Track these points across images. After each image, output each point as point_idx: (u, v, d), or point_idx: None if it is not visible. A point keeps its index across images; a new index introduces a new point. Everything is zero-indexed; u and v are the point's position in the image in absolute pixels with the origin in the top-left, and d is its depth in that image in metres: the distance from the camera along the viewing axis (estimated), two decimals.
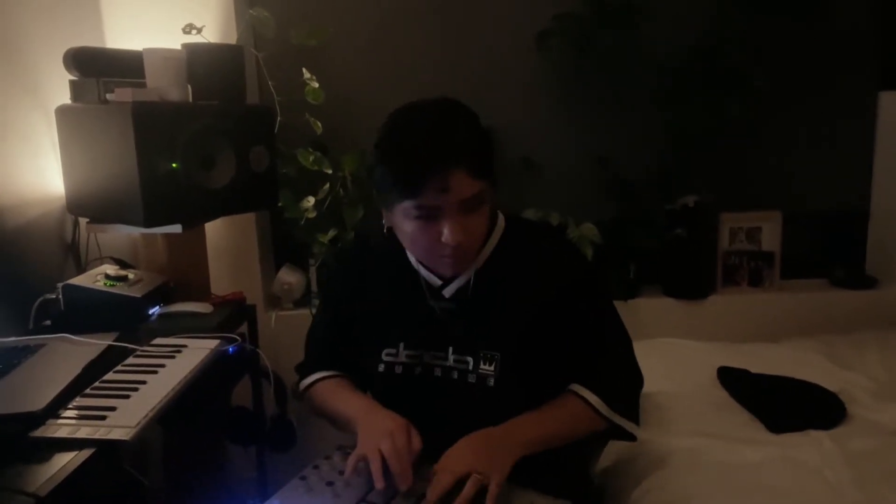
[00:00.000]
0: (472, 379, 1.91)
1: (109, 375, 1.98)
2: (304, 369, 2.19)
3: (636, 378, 2.07)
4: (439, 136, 1.73)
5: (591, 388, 1.94)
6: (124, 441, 1.63)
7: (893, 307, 3.65)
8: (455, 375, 1.93)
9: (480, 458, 1.73)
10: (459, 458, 1.74)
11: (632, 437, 2.05)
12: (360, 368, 2.07)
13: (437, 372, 1.96)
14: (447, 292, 1.97)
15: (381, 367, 1.99)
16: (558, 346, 1.93)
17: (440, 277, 1.98)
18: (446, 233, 1.76)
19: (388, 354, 1.99)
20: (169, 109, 2.53)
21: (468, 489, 1.66)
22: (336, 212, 3.40)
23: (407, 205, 1.76)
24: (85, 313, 2.41)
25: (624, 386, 2.03)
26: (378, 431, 1.77)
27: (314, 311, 2.20)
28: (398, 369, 1.98)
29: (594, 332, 1.98)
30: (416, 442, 1.78)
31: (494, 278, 1.95)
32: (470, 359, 1.92)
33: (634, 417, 2.02)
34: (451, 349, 1.95)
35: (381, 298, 2.05)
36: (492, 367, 1.89)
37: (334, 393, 2.07)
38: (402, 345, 1.99)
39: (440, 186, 1.71)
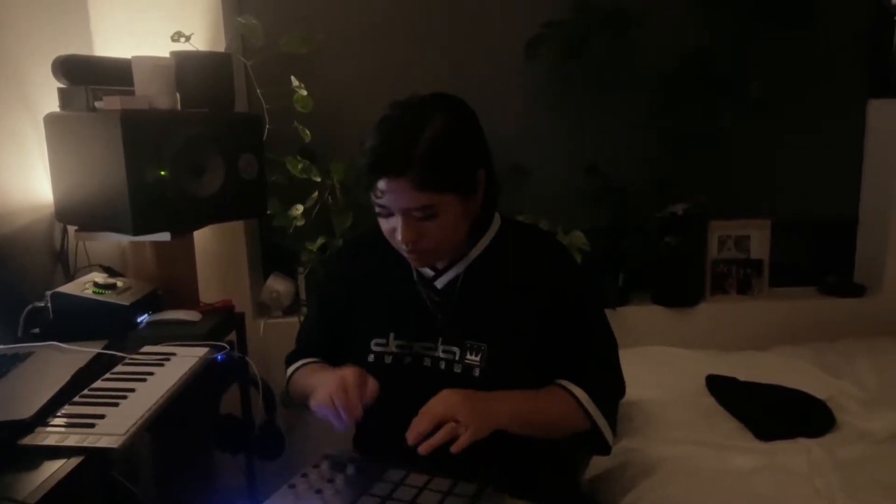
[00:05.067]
0: (457, 369, 1.92)
1: (98, 383, 1.98)
2: (290, 360, 2.21)
3: (619, 385, 2.07)
4: (393, 142, 1.76)
5: (578, 384, 1.95)
6: (113, 449, 1.63)
7: (882, 315, 3.67)
8: (443, 366, 1.94)
9: (463, 407, 1.73)
10: (442, 402, 1.75)
11: (606, 450, 2.03)
12: (349, 358, 2.06)
13: (427, 362, 1.96)
14: (439, 283, 1.98)
15: (371, 357, 1.99)
16: (545, 343, 1.94)
17: (432, 268, 1.99)
18: (397, 231, 1.81)
19: (377, 344, 2.00)
20: (157, 117, 2.53)
21: (440, 434, 1.67)
22: (325, 220, 3.40)
23: (370, 193, 1.81)
24: (74, 321, 2.40)
25: (608, 389, 2.03)
26: (330, 379, 1.79)
27: (303, 318, 2.20)
28: (388, 359, 1.98)
29: (582, 332, 1.99)
30: (372, 385, 1.79)
31: (486, 273, 1.97)
32: (457, 349, 1.93)
33: (613, 424, 2.01)
34: (440, 339, 1.96)
35: (372, 289, 2.06)
36: (478, 358, 1.91)
37: (307, 374, 2.09)
38: (392, 335, 1.99)
39: (379, 191, 1.76)
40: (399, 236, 1.80)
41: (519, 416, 1.85)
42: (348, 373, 1.79)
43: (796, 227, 3.81)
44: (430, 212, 1.77)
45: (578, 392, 1.93)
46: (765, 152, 3.76)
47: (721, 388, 2.96)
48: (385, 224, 1.84)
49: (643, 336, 3.48)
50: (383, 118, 1.81)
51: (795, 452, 2.49)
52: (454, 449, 1.66)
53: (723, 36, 3.40)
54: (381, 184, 1.75)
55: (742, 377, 3.01)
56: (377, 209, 1.82)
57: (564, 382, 1.95)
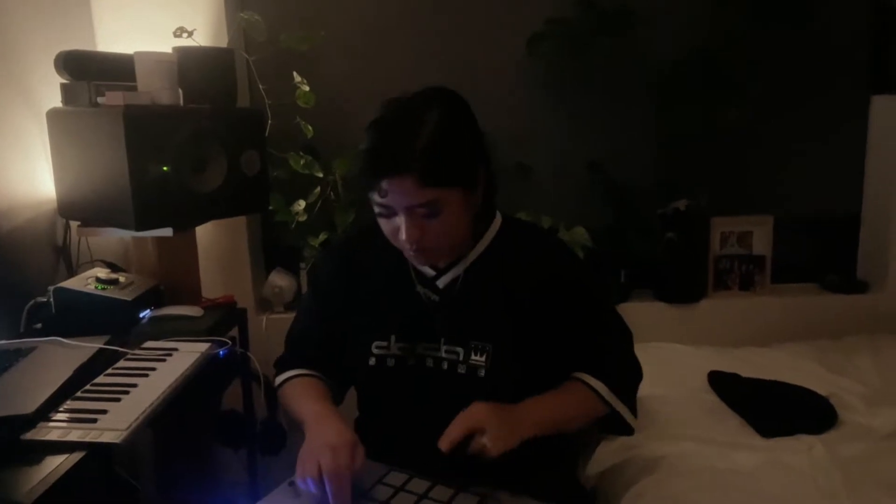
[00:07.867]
0: (462, 370, 1.91)
1: (100, 378, 1.99)
2: (281, 365, 2.17)
3: (636, 370, 2.10)
4: (393, 140, 1.73)
5: (595, 376, 1.97)
6: (115, 444, 1.63)
7: (884, 312, 3.66)
8: (445, 366, 1.93)
9: (493, 420, 1.75)
10: (475, 413, 1.76)
11: (629, 430, 2.06)
12: (346, 361, 2.06)
13: (429, 363, 1.95)
14: (441, 283, 1.97)
15: (372, 361, 1.97)
16: (550, 339, 1.94)
17: (434, 268, 1.98)
18: (401, 231, 1.78)
19: (378, 347, 1.98)
20: (160, 113, 2.53)
21: (472, 446, 1.71)
22: (327, 215, 3.40)
23: (370, 195, 1.79)
24: (76, 316, 2.41)
25: (625, 375, 2.06)
26: (320, 444, 1.74)
27: (294, 320, 2.18)
28: (390, 362, 1.97)
29: (593, 323, 2.01)
30: (359, 459, 1.74)
31: (487, 272, 1.96)
32: (460, 349, 1.92)
33: (633, 408, 2.04)
34: (442, 340, 1.94)
35: (371, 289, 2.04)
36: (482, 358, 1.90)
37: (297, 395, 2.04)
38: (393, 337, 1.97)
39: (382, 189, 1.74)
40: (403, 236, 1.78)
41: (545, 423, 1.87)
42: (340, 444, 1.73)
43: (799, 224, 3.80)
44: (435, 208, 1.75)
45: (598, 385, 1.96)
46: (767, 149, 3.75)
47: (723, 384, 2.96)
48: (387, 225, 1.82)
49: (645, 332, 3.44)
50: (379, 118, 1.78)
51: (797, 450, 2.49)
52: (488, 455, 1.70)
53: (725, 33, 3.39)
54: (384, 183, 1.72)
55: (744, 373, 3.00)
56: (378, 209, 1.80)
57: (583, 375, 1.97)
